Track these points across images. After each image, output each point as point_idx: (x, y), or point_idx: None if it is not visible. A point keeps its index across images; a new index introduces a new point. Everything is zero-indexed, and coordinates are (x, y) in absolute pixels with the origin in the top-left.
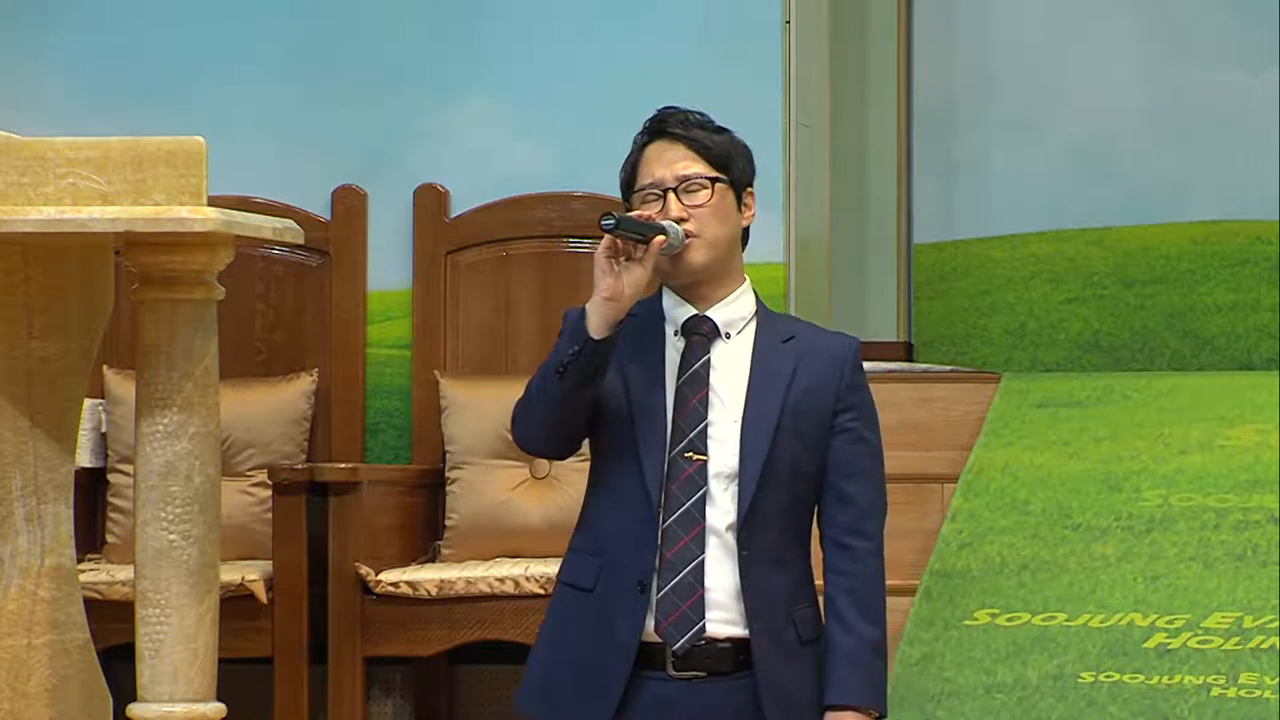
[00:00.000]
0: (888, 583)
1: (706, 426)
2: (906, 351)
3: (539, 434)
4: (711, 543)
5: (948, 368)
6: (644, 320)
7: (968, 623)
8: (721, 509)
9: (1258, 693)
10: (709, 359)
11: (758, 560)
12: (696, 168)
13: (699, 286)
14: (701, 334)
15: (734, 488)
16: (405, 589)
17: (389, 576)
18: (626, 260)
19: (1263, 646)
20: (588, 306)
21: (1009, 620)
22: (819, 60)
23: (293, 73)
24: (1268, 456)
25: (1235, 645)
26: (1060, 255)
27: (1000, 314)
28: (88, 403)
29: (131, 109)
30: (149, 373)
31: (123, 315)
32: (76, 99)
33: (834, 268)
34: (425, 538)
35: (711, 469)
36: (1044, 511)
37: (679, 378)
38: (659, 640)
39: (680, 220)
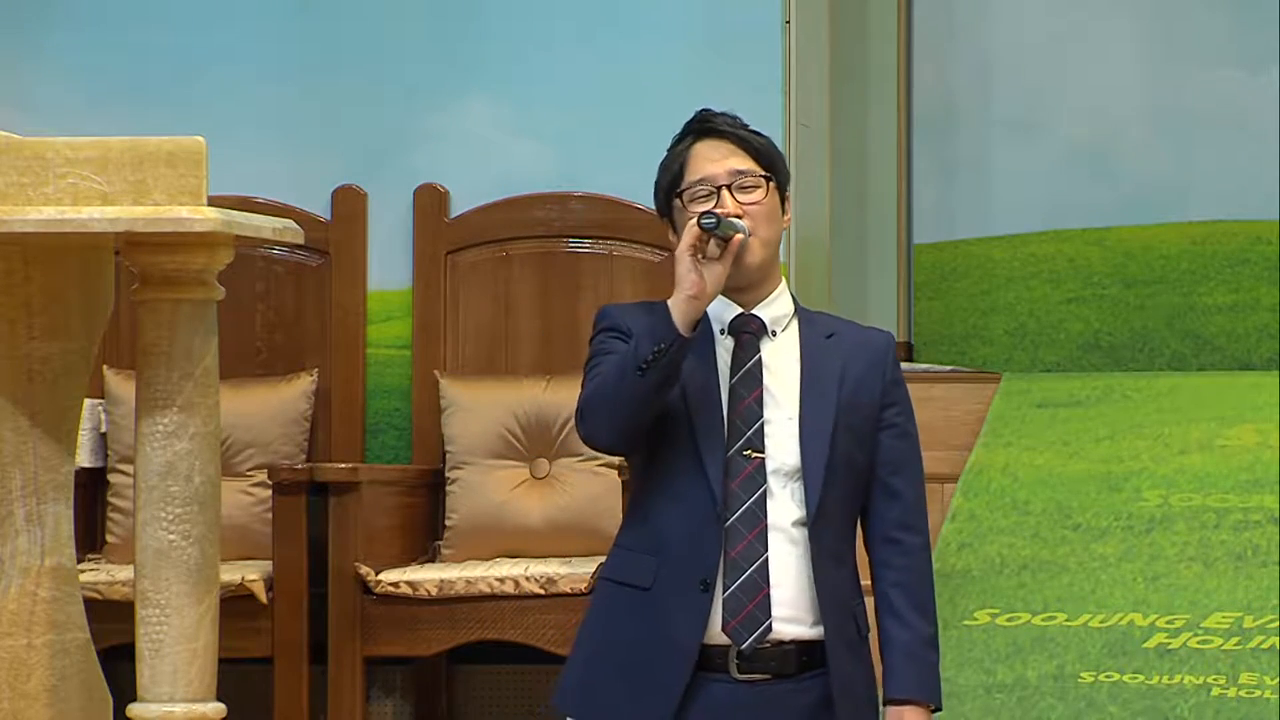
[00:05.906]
0: None
1: (763, 424)
2: (907, 351)
3: (615, 428)
4: (775, 539)
5: (948, 368)
6: None
7: (968, 623)
8: (782, 506)
9: (1258, 693)
10: (760, 357)
11: (824, 557)
12: (749, 164)
13: (748, 287)
14: (750, 332)
15: (793, 485)
16: (405, 589)
17: (389, 576)
18: (704, 258)
19: (1263, 646)
20: (670, 304)
21: (1009, 620)
22: (819, 60)
23: (293, 73)
24: (1268, 456)
25: (1235, 645)
26: (1060, 255)
27: (1000, 314)
28: (88, 403)
29: (131, 109)
30: (149, 373)
31: (123, 315)
32: (76, 99)
33: (834, 268)
34: (425, 538)
35: (769, 466)
36: (1044, 511)
37: (732, 376)
38: (722, 642)
39: (738, 217)
